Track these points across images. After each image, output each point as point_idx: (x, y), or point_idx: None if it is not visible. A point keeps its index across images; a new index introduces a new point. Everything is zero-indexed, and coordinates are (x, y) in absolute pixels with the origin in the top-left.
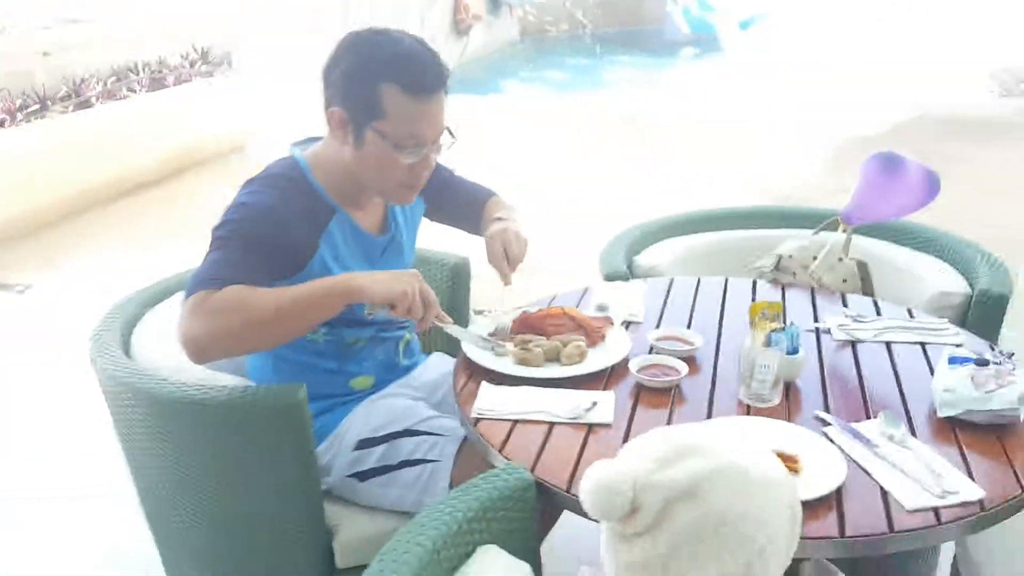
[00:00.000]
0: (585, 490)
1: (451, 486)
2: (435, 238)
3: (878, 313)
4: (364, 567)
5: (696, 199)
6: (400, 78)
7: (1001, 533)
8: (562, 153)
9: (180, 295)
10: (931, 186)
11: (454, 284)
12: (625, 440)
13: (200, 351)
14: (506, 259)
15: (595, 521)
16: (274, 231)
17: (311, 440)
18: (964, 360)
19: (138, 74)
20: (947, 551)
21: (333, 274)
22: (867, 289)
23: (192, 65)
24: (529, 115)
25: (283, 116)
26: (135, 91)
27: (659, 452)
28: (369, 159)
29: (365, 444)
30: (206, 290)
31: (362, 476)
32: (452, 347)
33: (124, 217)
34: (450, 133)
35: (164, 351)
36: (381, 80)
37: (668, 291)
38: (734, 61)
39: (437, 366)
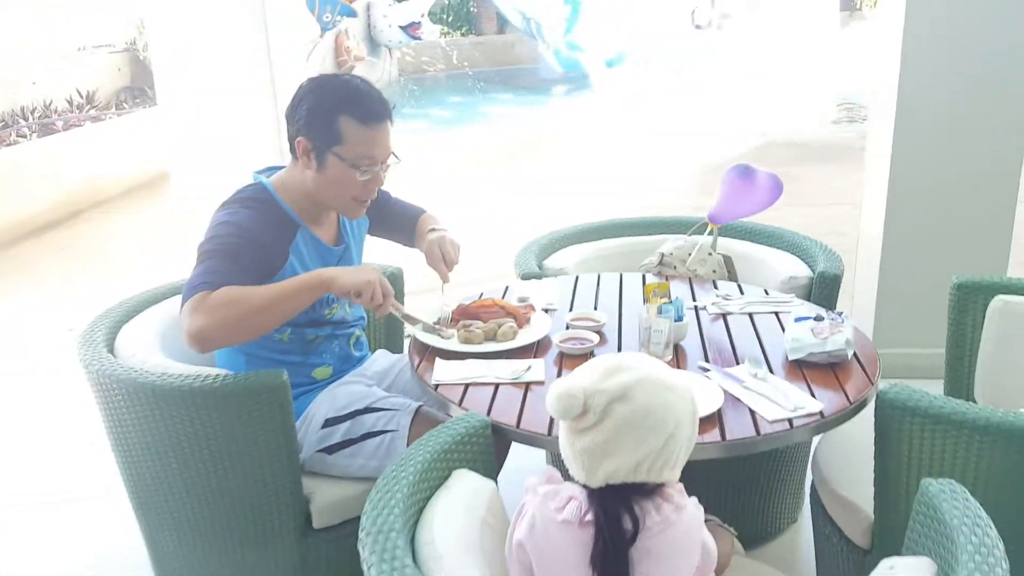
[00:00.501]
0: (550, 398)
1: None
2: (376, 252)
3: (741, 293)
4: (336, 526)
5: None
6: (355, 111)
7: (839, 443)
8: (454, 178)
9: (153, 310)
10: (776, 187)
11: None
12: None
13: (204, 341)
14: (443, 261)
15: (540, 445)
16: (253, 243)
17: (292, 416)
18: (806, 318)
19: (26, 119)
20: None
21: None
22: (732, 277)
23: (79, 109)
24: (416, 146)
25: (202, 150)
26: (25, 136)
27: (600, 370)
28: (330, 179)
29: (331, 422)
30: (203, 291)
31: (330, 450)
32: (392, 344)
33: (25, 261)
34: (395, 156)
35: (142, 357)
36: (340, 113)
37: (575, 285)
38: (603, 96)
39: (382, 359)
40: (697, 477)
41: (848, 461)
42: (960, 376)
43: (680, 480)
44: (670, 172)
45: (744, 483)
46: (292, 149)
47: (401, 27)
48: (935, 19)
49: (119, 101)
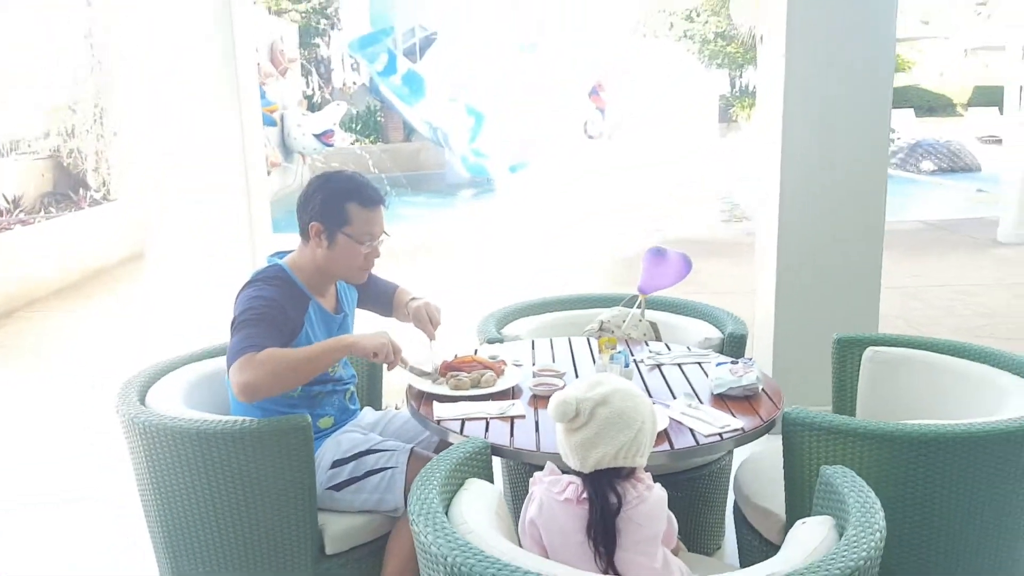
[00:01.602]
0: (552, 405)
1: (406, 486)
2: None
3: (669, 350)
4: (344, 552)
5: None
6: (359, 198)
7: (754, 468)
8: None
9: (174, 374)
10: (686, 263)
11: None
12: (536, 425)
13: (255, 392)
14: (430, 322)
15: (529, 459)
16: (279, 313)
17: (313, 453)
18: (725, 363)
19: None
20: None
21: (312, 342)
22: (659, 339)
23: (8, 213)
24: None
25: (177, 232)
26: None
27: (585, 385)
28: (339, 254)
29: (338, 463)
30: (249, 353)
31: (338, 487)
32: (373, 402)
33: None
34: (385, 233)
35: (174, 410)
36: (348, 200)
37: (533, 346)
38: (507, 199)
39: (371, 414)
40: None
41: (762, 480)
42: (845, 406)
43: None
44: (582, 265)
45: (676, 508)
46: (303, 232)
47: (315, 135)
48: (806, 131)
49: (44, 205)
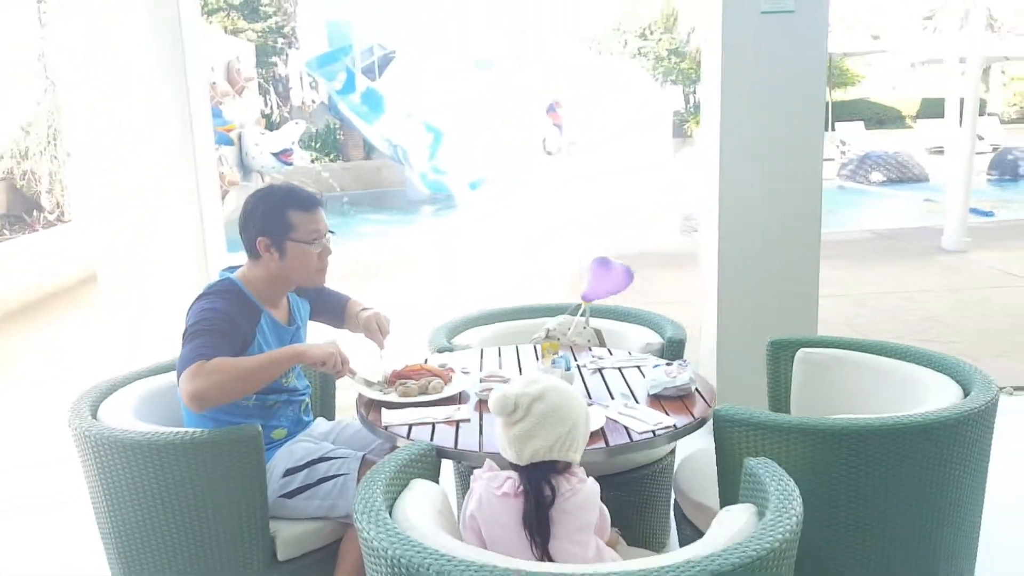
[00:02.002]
0: (492, 400)
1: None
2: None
3: (611, 354)
4: (297, 558)
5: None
6: (297, 204)
7: (692, 468)
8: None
9: (127, 388)
10: (628, 274)
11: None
12: (480, 429)
13: (203, 400)
14: (379, 332)
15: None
16: (230, 325)
17: (264, 462)
18: (660, 365)
19: None
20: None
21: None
22: (603, 344)
23: None
24: None
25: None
26: None
27: (523, 382)
28: (293, 260)
29: (290, 472)
30: (200, 361)
31: (290, 495)
32: (326, 412)
33: None
34: (331, 231)
35: (125, 423)
36: (286, 209)
37: (481, 354)
38: (467, 215)
39: (323, 424)
40: None
41: (699, 477)
42: (780, 406)
43: None
44: (542, 276)
45: (622, 508)
46: (250, 250)
47: (273, 154)
48: (742, 145)
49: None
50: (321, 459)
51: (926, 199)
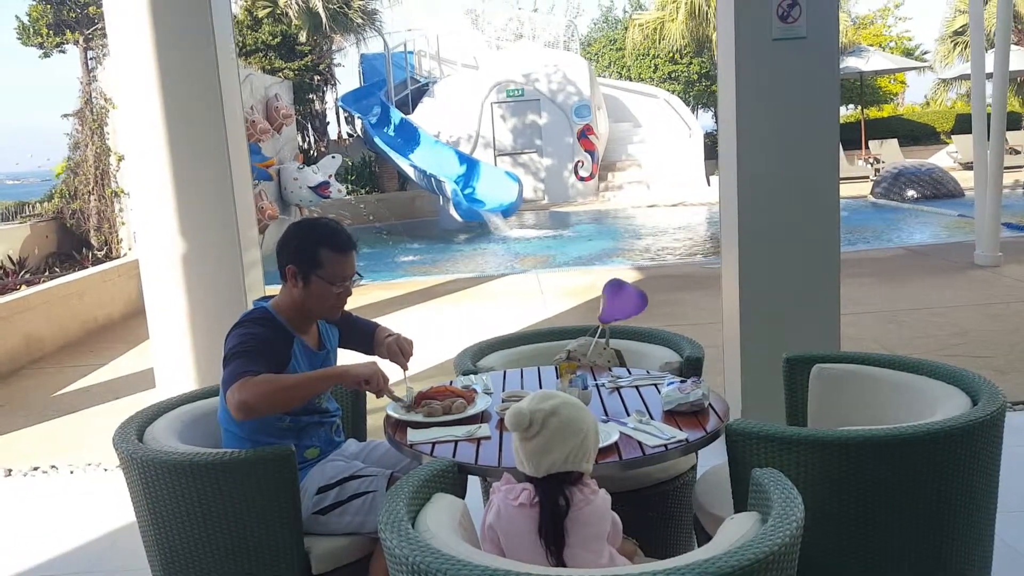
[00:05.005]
0: (508, 416)
1: None
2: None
3: (629, 374)
4: (329, 572)
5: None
6: (331, 243)
7: (710, 482)
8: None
9: (172, 414)
10: (642, 297)
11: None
12: (500, 446)
13: (250, 410)
14: (401, 355)
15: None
16: (267, 347)
17: (298, 480)
18: (674, 382)
19: None
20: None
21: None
22: (623, 365)
23: (10, 275)
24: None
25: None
26: None
27: (537, 398)
28: (313, 293)
29: (323, 489)
30: (244, 378)
31: (323, 512)
32: (357, 434)
33: None
34: (359, 275)
35: (170, 446)
36: (320, 246)
37: (504, 376)
38: (502, 241)
39: (354, 445)
40: None
41: (716, 491)
42: (797, 420)
43: None
44: (580, 299)
45: (645, 522)
46: (282, 275)
47: (311, 188)
48: (759, 167)
49: (49, 265)
50: (352, 477)
51: (960, 215)
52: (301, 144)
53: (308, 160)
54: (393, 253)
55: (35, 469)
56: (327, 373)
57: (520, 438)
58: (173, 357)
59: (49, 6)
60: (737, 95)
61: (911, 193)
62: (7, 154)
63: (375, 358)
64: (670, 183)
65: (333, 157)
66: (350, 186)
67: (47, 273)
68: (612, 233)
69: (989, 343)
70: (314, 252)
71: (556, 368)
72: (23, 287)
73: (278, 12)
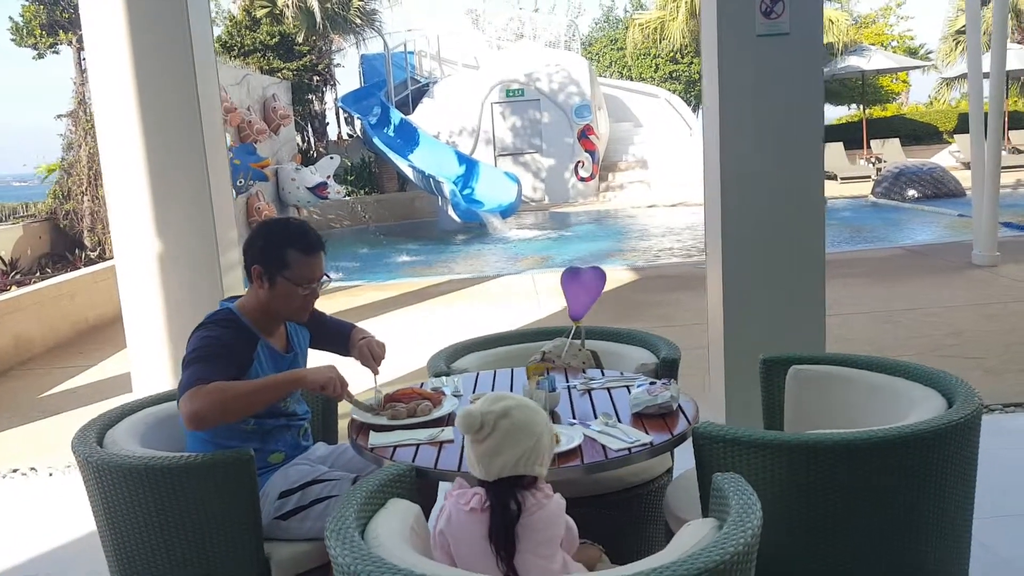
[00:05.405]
0: (458, 418)
1: None
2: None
3: (603, 375)
4: None
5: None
6: (298, 244)
7: (682, 487)
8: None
9: (133, 417)
10: (600, 276)
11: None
12: (461, 450)
13: (201, 420)
14: (372, 358)
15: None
16: (227, 351)
17: (257, 485)
18: (643, 384)
19: None
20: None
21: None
22: (600, 366)
23: (5, 275)
24: (331, 297)
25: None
26: None
27: (489, 400)
28: (279, 295)
29: (285, 494)
30: (197, 385)
31: (284, 516)
32: (328, 437)
33: None
34: (328, 276)
35: (129, 450)
36: (287, 247)
37: (476, 378)
38: (499, 241)
39: (322, 448)
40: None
41: (687, 495)
42: (774, 422)
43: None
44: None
45: (618, 526)
46: (248, 275)
47: (309, 188)
48: (742, 166)
49: (42, 266)
50: (314, 481)
51: (960, 214)
52: (300, 144)
53: (307, 161)
54: (389, 254)
55: (14, 471)
56: (282, 379)
57: (471, 440)
58: (150, 360)
59: (42, 7)
60: (720, 92)
61: (912, 193)
62: (12, 155)
63: (342, 360)
64: (671, 183)
65: (331, 158)
66: (349, 187)
67: (39, 274)
68: (611, 233)
69: (983, 343)
70: (281, 253)
71: (525, 370)
72: (14, 288)
73: (276, 12)
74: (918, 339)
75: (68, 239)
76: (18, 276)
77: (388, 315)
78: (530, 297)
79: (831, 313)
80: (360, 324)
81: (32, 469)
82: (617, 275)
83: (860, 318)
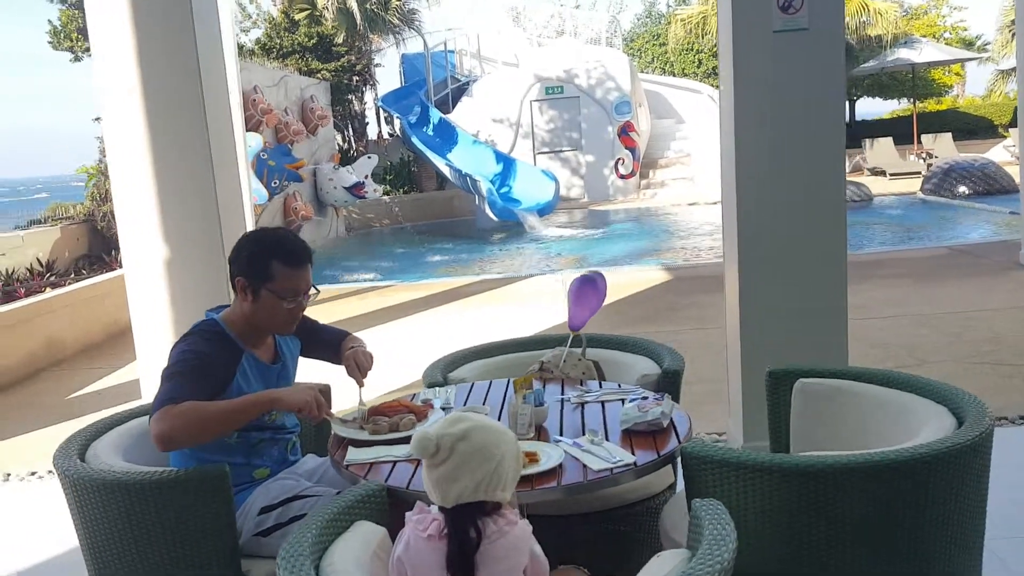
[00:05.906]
0: (412, 442)
1: None
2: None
3: (601, 387)
4: None
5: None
6: (284, 256)
7: (677, 507)
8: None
9: (118, 429)
10: (598, 284)
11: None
12: None
13: (169, 441)
14: (358, 369)
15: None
16: (207, 365)
17: (232, 502)
18: (636, 399)
19: None
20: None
21: (246, 393)
22: (601, 377)
23: (40, 276)
24: (363, 298)
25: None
26: None
27: (447, 421)
28: (263, 308)
29: (266, 510)
30: (169, 404)
31: (264, 533)
32: (320, 449)
33: None
34: (315, 288)
35: (109, 464)
36: (271, 258)
37: (470, 389)
38: (536, 240)
39: (311, 461)
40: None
41: (679, 517)
42: (780, 437)
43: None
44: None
45: (620, 543)
46: (233, 287)
47: (346, 188)
48: (759, 166)
49: (78, 268)
50: (295, 497)
51: (1012, 212)
52: (340, 144)
53: (346, 160)
54: (425, 253)
55: (32, 474)
56: (256, 400)
57: (427, 465)
58: (158, 368)
59: (78, 11)
60: (736, 89)
61: (962, 189)
62: (69, 158)
63: (333, 370)
64: (713, 180)
65: (369, 157)
66: (388, 186)
67: (73, 276)
68: (651, 232)
69: (1022, 351)
70: (265, 265)
71: (511, 383)
72: (48, 289)
73: (316, 14)
74: (955, 344)
75: (105, 241)
76: (52, 278)
77: (416, 316)
78: (559, 298)
79: (870, 316)
80: (384, 326)
81: (49, 472)
82: (651, 275)
83: (900, 321)
